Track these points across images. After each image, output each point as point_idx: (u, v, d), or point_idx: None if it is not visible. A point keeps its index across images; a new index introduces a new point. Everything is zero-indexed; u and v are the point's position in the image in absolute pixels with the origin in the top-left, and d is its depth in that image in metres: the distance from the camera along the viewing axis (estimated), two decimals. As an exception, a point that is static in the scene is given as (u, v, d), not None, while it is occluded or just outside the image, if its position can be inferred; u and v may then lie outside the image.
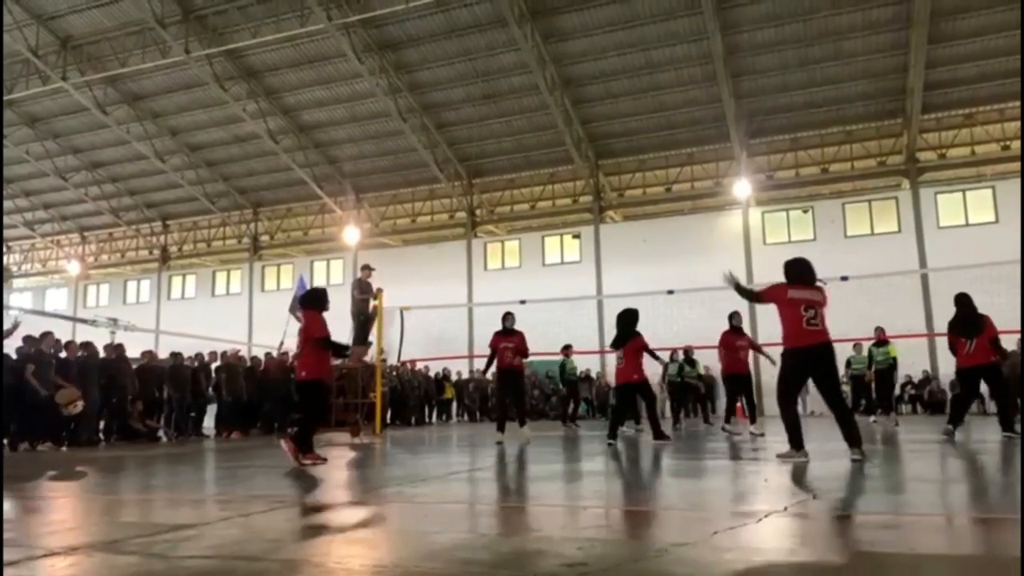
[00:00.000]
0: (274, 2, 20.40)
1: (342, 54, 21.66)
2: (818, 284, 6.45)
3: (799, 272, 6.45)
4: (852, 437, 6.12)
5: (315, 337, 7.34)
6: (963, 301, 9.20)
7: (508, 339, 10.54)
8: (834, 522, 3.47)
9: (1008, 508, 3.80)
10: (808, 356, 6.25)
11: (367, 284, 13.66)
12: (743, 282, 6.95)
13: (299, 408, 8.04)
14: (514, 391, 10.83)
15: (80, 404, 11.60)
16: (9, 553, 2.85)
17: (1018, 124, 21.88)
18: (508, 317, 10.72)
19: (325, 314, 7.55)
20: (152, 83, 24.44)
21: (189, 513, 4.31)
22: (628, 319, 9.78)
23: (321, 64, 22.97)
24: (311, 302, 7.56)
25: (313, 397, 7.48)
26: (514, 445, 9.21)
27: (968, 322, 9.04)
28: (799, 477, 5.28)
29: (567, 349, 16.41)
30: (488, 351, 10.87)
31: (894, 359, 14.09)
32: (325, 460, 7.19)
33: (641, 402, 11.05)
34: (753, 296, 6.90)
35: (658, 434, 9.42)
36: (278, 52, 22.65)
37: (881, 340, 14.31)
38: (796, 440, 6.32)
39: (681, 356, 15.60)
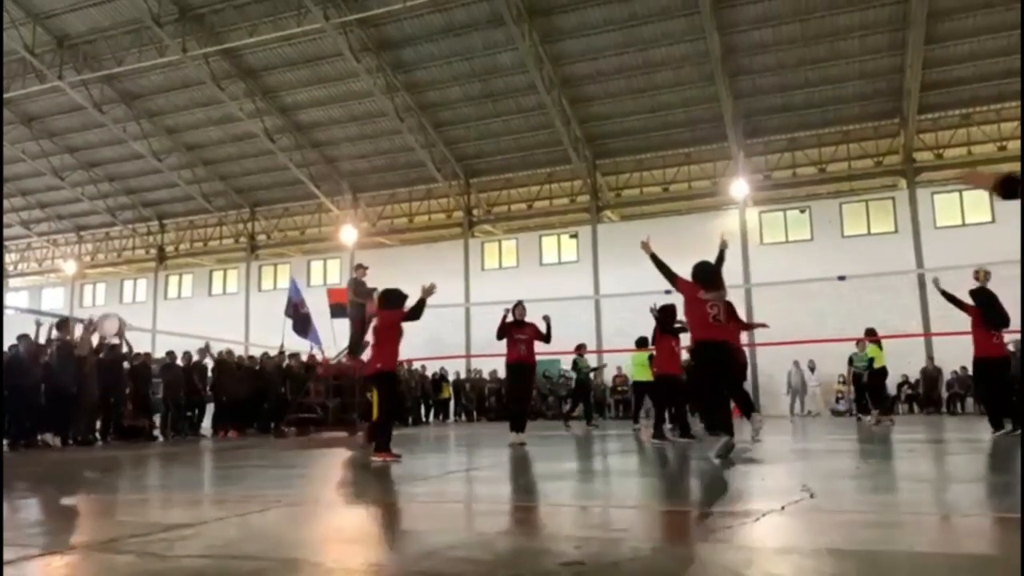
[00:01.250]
0: (271, 1, 20.37)
1: (339, 53, 21.64)
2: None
3: (708, 277, 7.07)
4: (721, 424, 6.77)
5: (400, 321, 7.62)
6: (991, 293, 9.21)
7: (520, 330, 9.57)
8: (831, 521, 3.47)
9: (1007, 508, 3.80)
10: (712, 348, 6.92)
11: (362, 283, 13.64)
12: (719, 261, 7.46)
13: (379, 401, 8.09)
14: (521, 390, 10.03)
15: (122, 326, 11.78)
16: (6, 552, 2.84)
17: (1014, 124, 21.93)
18: (519, 307, 9.69)
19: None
20: (149, 82, 24.40)
21: (185, 513, 4.30)
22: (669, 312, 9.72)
23: (318, 63, 22.95)
24: (393, 302, 7.72)
25: (390, 388, 7.71)
26: (513, 445, 9.02)
27: (1001, 315, 9.10)
28: (796, 476, 5.28)
29: (581, 348, 16.39)
30: (494, 340, 9.88)
31: (871, 359, 14.21)
32: (399, 457, 7.16)
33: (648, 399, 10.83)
34: (667, 275, 7.24)
35: (659, 434, 9.33)
36: (275, 51, 22.62)
37: (869, 341, 14.45)
38: (717, 425, 6.76)
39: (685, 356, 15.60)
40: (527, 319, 9.76)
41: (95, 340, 12.80)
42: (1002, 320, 9.07)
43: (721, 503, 4.25)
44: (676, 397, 10.01)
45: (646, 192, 26.27)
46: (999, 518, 3.49)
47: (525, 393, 10.29)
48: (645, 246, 7.60)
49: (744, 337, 22.31)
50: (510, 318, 9.58)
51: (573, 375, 19.85)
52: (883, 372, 14.40)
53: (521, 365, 9.61)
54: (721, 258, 7.48)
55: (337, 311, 15.28)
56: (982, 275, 9.34)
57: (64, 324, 11.86)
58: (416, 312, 7.63)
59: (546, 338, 9.61)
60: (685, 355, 10.21)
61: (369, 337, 8.10)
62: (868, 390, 14.54)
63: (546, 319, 9.67)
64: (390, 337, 7.61)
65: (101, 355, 12.66)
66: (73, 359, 11.65)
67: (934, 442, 9.03)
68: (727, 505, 4.15)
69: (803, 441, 9.94)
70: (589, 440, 10.92)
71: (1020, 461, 5.80)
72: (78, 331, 12.70)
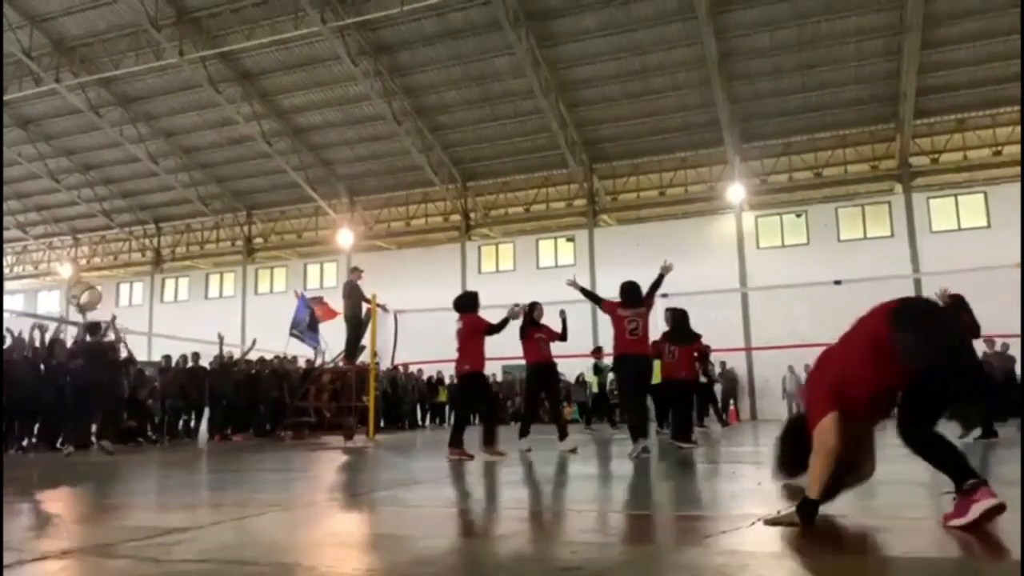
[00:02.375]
0: (268, 5, 20.38)
1: (336, 57, 21.65)
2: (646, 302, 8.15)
3: (629, 295, 8.08)
4: (633, 430, 7.73)
5: (483, 329, 8.05)
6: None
7: (539, 330, 9.18)
8: (827, 526, 3.48)
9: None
10: (629, 361, 7.88)
11: (357, 287, 13.63)
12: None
13: (465, 402, 8.49)
14: (551, 391, 9.54)
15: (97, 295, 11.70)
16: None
17: (1010, 129, 22.03)
18: (538, 307, 9.31)
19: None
20: (146, 85, 24.38)
21: (182, 517, 4.29)
22: (686, 319, 9.72)
23: (315, 67, 22.95)
24: (468, 306, 8.22)
25: (481, 387, 8.18)
26: (536, 452, 8.63)
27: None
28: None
29: (599, 352, 16.33)
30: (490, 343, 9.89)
31: None
32: (472, 456, 7.66)
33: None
34: (594, 299, 8.56)
35: (686, 436, 9.15)
36: (272, 55, 22.62)
37: None
38: (640, 433, 7.66)
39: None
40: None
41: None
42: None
43: (717, 508, 4.26)
44: (683, 401, 9.88)
45: (643, 196, 26.31)
46: (996, 522, 3.49)
47: (556, 395, 9.97)
48: (572, 283, 8.52)
49: (741, 341, 22.59)
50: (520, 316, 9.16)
51: (571, 380, 19.85)
52: None
53: (546, 365, 9.19)
54: (659, 281, 8.34)
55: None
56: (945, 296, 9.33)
57: (95, 327, 11.66)
58: (499, 328, 8.16)
59: (563, 336, 9.32)
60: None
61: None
62: None
63: (562, 315, 9.37)
64: (476, 340, 8.04)
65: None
66: (105, 359, 11.48)
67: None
68: (723, 510, 4.15)
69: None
70: (591, 444, 10.90)
71: (1020, 463, 5.81)
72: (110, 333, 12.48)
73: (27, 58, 22.10)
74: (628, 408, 8.26)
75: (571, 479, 6.13)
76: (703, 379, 15.66)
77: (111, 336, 11.58)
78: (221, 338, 15.16)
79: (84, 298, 11.77)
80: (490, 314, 8.44)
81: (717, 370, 18.89)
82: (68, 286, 11.94)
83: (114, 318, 12.55)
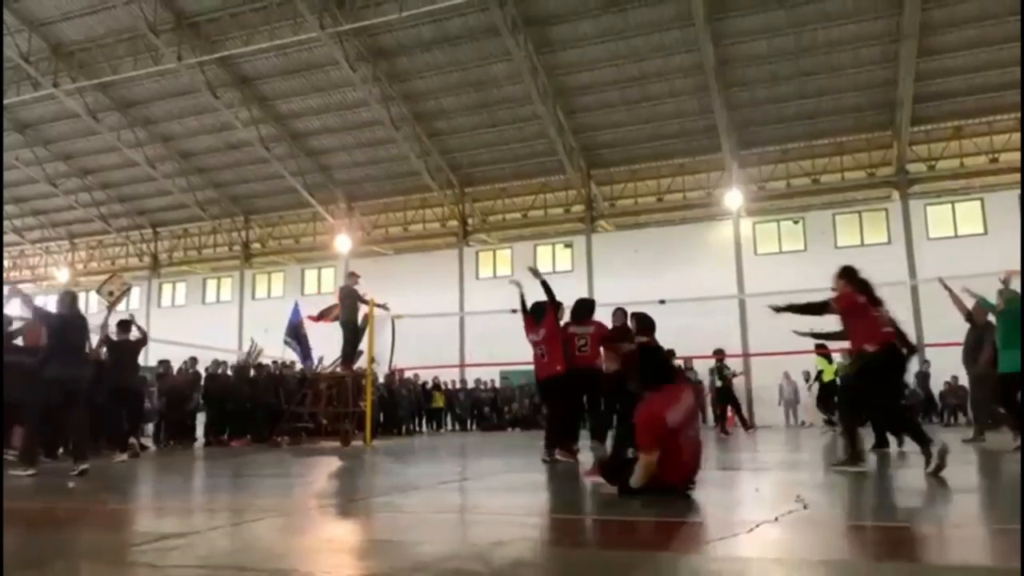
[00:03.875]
0: (267, 10, 20.43)
1: (335, 62, 21.68)
2: (594, 320, 8.53)
3: (579, 312, 8.57)
4: (595, 432, 8.33)
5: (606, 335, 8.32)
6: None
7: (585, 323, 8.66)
8: (825, 532, 3.48)
9: (1001, 518, 3.81)
10: (577, 374, 8.25)
11: (354, 291, 13.61)
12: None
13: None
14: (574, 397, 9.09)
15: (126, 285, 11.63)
16: (-4, 562, 2.82)
17: (1006, 137, 22.10)
18: (560, 308, 8.80)
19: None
20: (144, 90, 24.39)
21: (179, 522, 4.28)
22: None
23: (314, 72, 22.98)
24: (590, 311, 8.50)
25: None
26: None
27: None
28: (789, 487, 5.28)
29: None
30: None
31: (820, 372, 14.67)
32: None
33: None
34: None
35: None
36: (271, 60, 22.65)
37: (818, 354, 14.65)
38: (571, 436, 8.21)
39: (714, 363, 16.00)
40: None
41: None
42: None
43: (715, 513, 4.26)
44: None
45: (640, 202, 26.34)
46: (993, 528, 3.50)
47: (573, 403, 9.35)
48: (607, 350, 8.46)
49: (738, 347, 22.58)
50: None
51: None
52: (833, 384, 14.49)
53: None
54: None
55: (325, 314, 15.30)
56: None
57: (126, 325, 11.32)
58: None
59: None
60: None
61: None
62: (819, 401, 14.89)
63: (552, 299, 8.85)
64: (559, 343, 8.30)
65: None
66: (134, 359, 11.28)
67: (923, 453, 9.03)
68: (721, 515, 4.15)
69: (795, 451, 9.95)
70: (589, 451, 10.87)
71: (1020, 467, 5.81)
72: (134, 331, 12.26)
73: (25, 63, 22.12)
74: (590, 416, 8.71)
75: (568, 485, 6.12)
76: (718, 383, 15.74)
77: (137, 334, 11.33)
78: (253, 342, 15.21)
79: (124, 294, 11.67)
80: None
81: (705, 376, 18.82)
82: (100, 283, 11.67)
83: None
